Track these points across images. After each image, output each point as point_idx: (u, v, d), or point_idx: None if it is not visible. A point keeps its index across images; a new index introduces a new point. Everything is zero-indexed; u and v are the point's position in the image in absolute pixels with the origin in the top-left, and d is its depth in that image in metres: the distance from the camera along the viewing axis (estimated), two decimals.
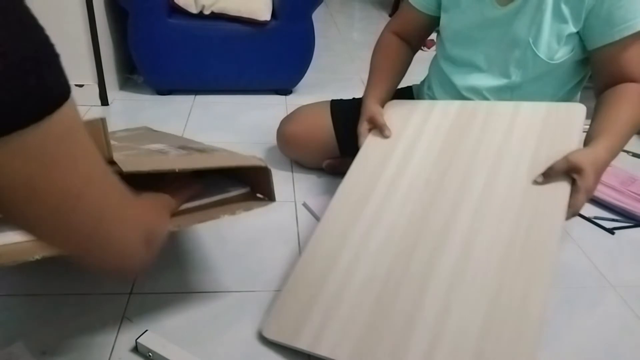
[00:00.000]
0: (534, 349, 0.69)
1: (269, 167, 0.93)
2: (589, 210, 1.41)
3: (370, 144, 1.12)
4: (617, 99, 0.99)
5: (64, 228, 0.43)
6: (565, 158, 0.90)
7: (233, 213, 0.88)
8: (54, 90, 0.37)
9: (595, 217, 1.38)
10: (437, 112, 1.10)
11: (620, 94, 1.00)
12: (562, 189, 0.89)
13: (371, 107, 1.15)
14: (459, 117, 1.09)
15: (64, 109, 0.38)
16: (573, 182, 0.89)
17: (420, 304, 0.80)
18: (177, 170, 0.80)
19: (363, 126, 1.15)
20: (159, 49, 1.84)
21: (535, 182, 0.92)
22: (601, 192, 1.44)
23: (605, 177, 1.49)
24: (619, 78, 1.01)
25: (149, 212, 0.56)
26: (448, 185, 0.97)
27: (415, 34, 1.27)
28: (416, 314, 0.79)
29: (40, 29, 0.37)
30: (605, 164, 0.93)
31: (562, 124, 1.00)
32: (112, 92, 1.88)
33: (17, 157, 0.36)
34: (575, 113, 1.01)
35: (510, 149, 0.98)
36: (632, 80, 1.00)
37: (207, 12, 1.80)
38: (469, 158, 1.00)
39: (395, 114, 1.16)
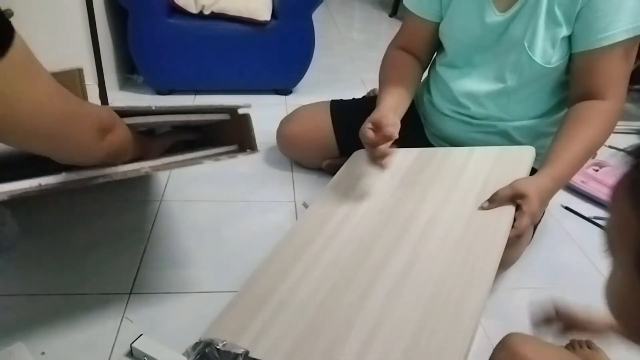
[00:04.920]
0: (464, 354, 0.71)
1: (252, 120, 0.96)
2: (589, 210, 1.42)
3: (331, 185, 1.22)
4: (578, 121, 1.00)
5: (37, 130, 0.60)
6: (510, 185, 0.94)
7: (217, 159, 0.91)
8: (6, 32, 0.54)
9: (595, 217, 1.38)
10: (398, 157, 1.15)
11: (582, 116, 1.00)
12: (506, 211, 0.93)
13: (382, 110, 1.08)
14: (417, 161, 1.17)
15: (16, 42, 0.54)
16: (518, 208, 0.93)
17: (359, 309, 0.83)
18: (153, 108, 0.86)
19: (366, 125, 1.05)
20: (159, 49, 1.84)
21: (482, 208, 0.96)
22: (601, 192, 1.44)
23: (605, 177, 1.49)
24: (590, 90, 1.01)
25: (101, 111, 0.74)
26: (400, 213, 1.03)
27: (423, 47, 1.23)
28: (355, 317, 0.82)
29: None
30: (550, 192, 0.97)
31: (512, 163, 1.05)
32: (112, 92, 1.88)
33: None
34: (525, 154, 1.07)
35: (461, 183, 1.05)
36: (600, 95, 1.00)
37: (207, 12, 1.80)
38: (422, 192, 1.06)
39: (358, 161, 1.20)
